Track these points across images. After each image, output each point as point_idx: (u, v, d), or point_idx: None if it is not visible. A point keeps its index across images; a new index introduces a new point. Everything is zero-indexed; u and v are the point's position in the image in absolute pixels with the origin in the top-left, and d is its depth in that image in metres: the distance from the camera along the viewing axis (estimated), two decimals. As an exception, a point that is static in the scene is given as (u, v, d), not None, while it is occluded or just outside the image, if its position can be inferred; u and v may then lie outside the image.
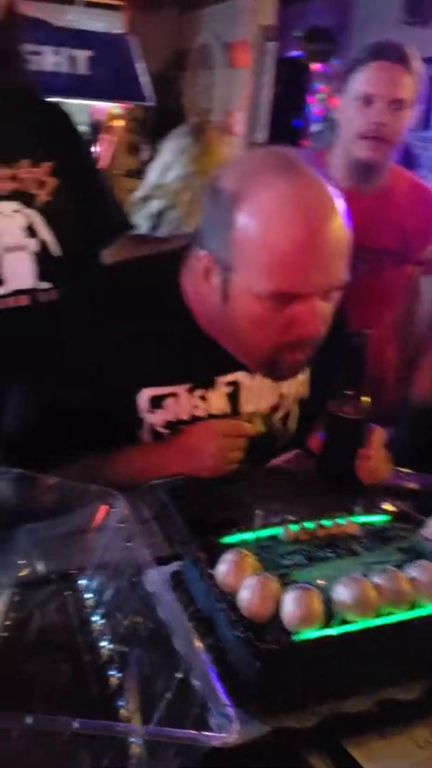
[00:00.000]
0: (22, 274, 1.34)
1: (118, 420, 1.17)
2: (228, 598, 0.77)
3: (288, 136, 5.37)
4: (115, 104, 4.27)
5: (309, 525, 0.91)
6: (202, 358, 1.18)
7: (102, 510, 0.89)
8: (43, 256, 1.36)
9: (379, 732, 0.72)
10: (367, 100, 1.67)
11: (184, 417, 1.18)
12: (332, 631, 0.72)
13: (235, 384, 1.21)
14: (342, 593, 0.75)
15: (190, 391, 1.18)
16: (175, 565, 0.92)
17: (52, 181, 1.38)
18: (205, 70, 6.95)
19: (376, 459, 1.16)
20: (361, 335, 1.07)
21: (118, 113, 4.61)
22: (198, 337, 1.16)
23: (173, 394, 1.17)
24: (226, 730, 0.60)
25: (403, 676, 0.75)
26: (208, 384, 1.20)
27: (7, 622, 0.82)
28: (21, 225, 1.34)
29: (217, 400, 1.20)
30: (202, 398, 1.19)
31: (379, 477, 1.17)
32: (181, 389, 1.17)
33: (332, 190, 1.03)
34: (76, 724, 0.55)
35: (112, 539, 0.88)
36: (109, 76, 3.12)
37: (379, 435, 1.17)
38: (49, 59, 2.99)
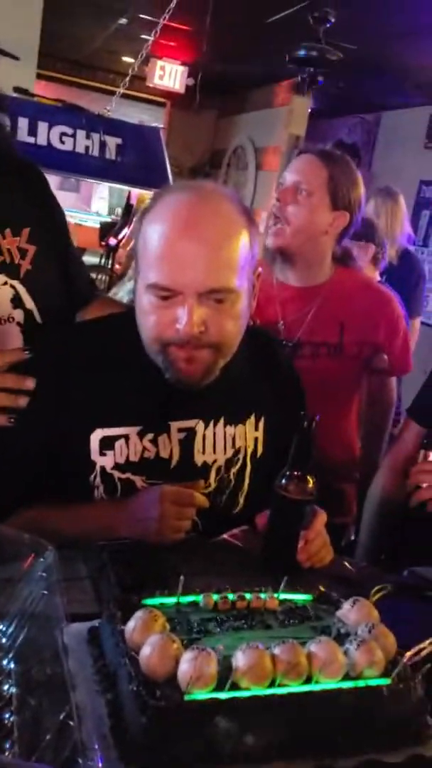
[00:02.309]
0: (11, 344, 1.36)
1: (72, 461, 1.21)
2: (132, 654, 0.78)
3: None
4: (144, 190, 4.48)
5: (230, 596, 0.92)
6: (154, 402, 1.22)
7: (29, 559, 0.91)
8: (28, 326, 1.39)
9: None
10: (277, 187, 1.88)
11: (134, 459, 1.22)
12: (221, 695, 0.73)
13: (189, 431, 1.25)
14: (239, 659, 0.76)
15: (141, 434, 1.22)
16: (96, 622, 0.93)
17: (32, 248, 1.40)
18: (237, 170, 7.35)
19: (317, 543, 1.17)
20: (309, 419, 1.10)
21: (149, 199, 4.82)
22: (152, 381, 1.19)
23: (124, 436, 1.21)
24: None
25: (297, 753, 0.75)
26: (161, 428, 1.23)
27: None
28: (9, 296, 1.37)
29: (168, 445, 1.24)
30: (153, 442, 1.23)
31: (319, 561, 1.18)
32: (131, 432, 1.21)
33: (230, 208, 1.15)
34: None
35: (35, 588, 0.90)
36: (136, 163, 3.32)
37: (321, 519, 1.19)
38: (82, 142, 3.22)
